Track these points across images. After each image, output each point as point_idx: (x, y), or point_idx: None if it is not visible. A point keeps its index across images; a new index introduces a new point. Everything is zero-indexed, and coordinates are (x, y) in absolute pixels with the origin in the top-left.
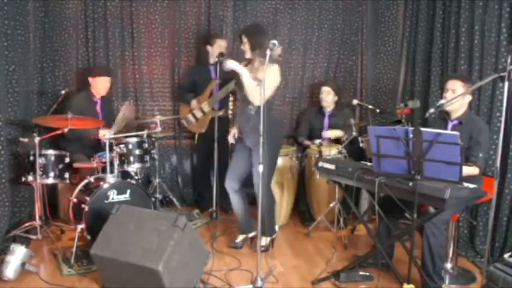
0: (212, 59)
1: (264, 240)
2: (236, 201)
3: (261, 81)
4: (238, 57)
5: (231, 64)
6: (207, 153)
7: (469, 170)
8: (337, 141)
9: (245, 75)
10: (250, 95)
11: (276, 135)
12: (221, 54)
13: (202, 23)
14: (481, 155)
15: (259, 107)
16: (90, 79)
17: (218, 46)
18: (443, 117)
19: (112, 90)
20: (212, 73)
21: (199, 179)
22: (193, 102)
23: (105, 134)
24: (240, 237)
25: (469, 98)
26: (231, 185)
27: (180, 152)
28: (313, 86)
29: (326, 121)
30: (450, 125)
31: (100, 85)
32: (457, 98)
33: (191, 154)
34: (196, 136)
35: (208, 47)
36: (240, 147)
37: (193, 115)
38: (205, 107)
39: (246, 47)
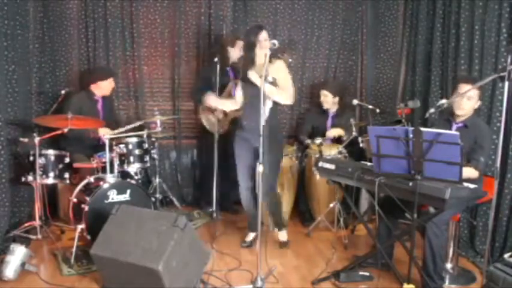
0: (231, 61)
1: (285, 235)
2: (249, 198)
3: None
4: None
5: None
6: (219, 154)
7: (469, 173)
8: (337, 141)
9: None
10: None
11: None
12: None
13: (202, 23)
14: (482, 159)
15: (270, 107)
16: (100, 83)
17: (239, 47)
18: (447, 119)
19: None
20: (231, 74)
21: (207, 178)
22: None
23: (105, 134)
24: (251, 235)
25: (479, 103)
26: (246, 183)
27: (180, 152)
28: (313, 86)
29: (329, 121)
30: (454, 126)
31: (108, 87)
32: (457, 97)
33: (191, 154)
34: (217, 136)
35: (230, 48)
36: (244, 146)
37: (215, 116)
38: None
39: (268, 43)
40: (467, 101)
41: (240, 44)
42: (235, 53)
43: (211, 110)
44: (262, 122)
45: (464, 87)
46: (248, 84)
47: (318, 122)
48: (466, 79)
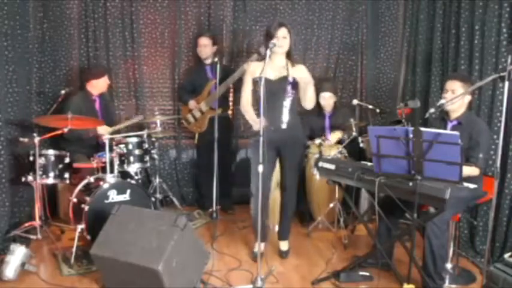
0: (203, 59)
1: (287, 244)
2: (264, 205)
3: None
4: (239, 57)
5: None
6: (207, 153)
7: (469, 171)
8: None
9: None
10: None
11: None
12: (220, 56)
13: (202, 23)
14: (481, 155)
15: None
16: (94, 81)
17: (203, 45)
18: (443, 118)
19: (112, 90)
20: (209, 73)
21: (201, 178)
22: (191, 103)
23: (104, 133)
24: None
25: (468, 98)
26: (267, 189)
27: (180, 151)
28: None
29: (327, 122)
30: (450, 125)
31: (103, 85)
32: (457, 97)
33: (191, 154)
34: (197, 136)
35: (197, 49)
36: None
37: (192, 115)
38: (204, 106)
39: (285, 42)
40: (451, 94)
41: (201, 40)
42: (200, 52)
43: (189, 109)
44: (262, 122)
45: (449, 84)
46: (266, 80)
47: (316, 124)
48: (453, 76)
